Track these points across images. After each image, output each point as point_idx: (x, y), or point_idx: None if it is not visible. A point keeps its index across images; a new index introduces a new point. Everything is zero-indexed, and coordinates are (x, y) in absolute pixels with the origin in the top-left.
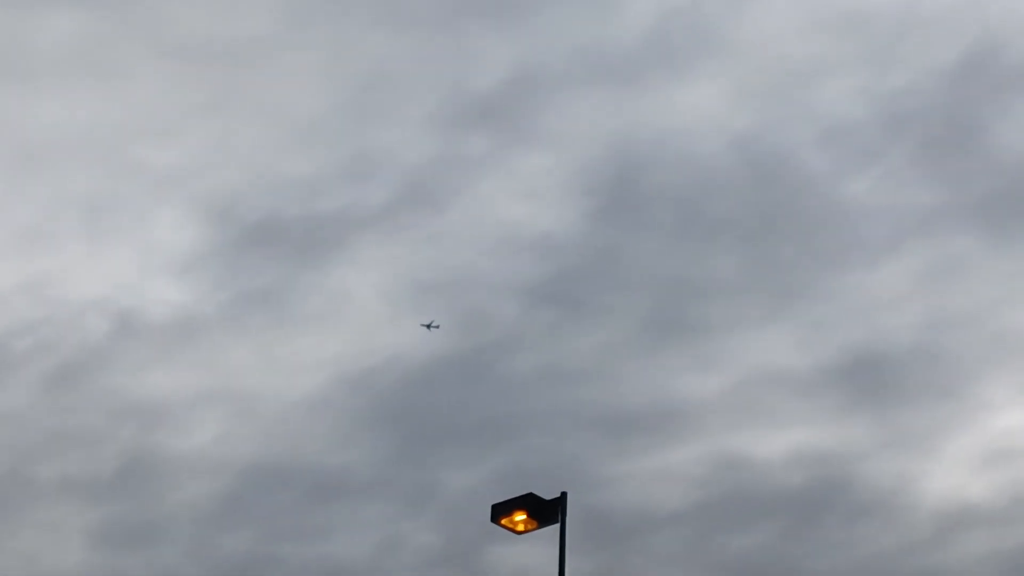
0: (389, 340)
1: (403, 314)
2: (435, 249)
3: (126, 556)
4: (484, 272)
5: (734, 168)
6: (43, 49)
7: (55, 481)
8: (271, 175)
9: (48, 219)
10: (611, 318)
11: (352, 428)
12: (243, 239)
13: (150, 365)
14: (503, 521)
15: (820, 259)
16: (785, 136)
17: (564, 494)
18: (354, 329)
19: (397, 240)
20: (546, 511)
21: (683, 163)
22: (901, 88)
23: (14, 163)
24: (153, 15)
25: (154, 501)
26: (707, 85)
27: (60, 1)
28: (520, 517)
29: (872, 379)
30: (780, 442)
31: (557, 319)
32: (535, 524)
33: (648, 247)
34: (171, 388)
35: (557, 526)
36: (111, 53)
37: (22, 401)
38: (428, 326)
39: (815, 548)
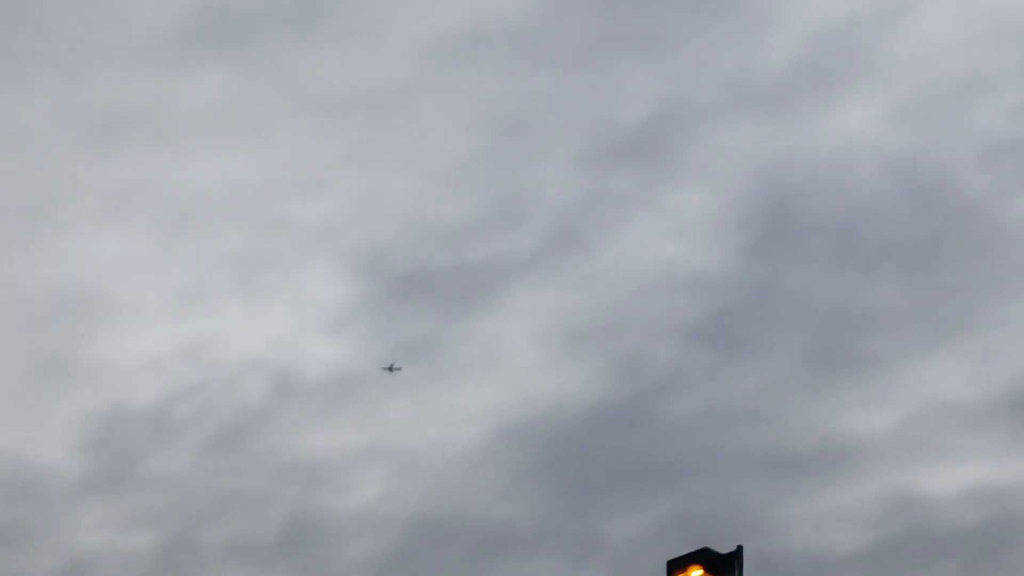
0: (547, 388)
1: (559, 361)
2: (588, 293)
3: None
4: (639, 314)
5: (892, 193)
6: (189, 110)
7: (222, 545)
8: (419, 224)
9: (201, 280)
10: (772, 355)
11: (515, 480)
12: (394, 291)
13: (310, 424)
14: None
15: (987, 285)
16: (944, 158)
17: (740, 547)
18: (511, 378)
19: (549, 285)
20: (722, 565)
21: (838, 191)
22: None
23: (166, 225)
24: (294, 70)
25: (320, 562)
26: (860, 109)
27: (203, 62)
28: (696, 573)
29: None
30: (955, 478)
31: (717, 359)
32: None
33: (806, 279)
34: (332, 446)
35: None
36: (255, 110)
37: (185, 466)
38: (390, 369)
39: None
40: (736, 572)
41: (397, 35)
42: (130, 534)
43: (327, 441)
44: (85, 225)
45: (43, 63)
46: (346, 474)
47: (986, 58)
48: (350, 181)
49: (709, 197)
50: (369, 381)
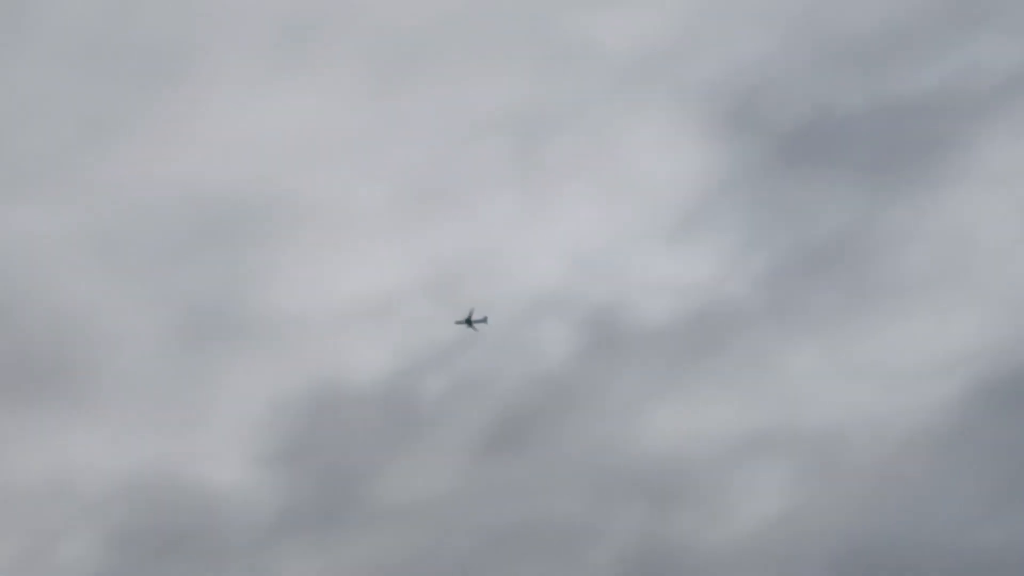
0: None
1: None
2: None
3: None
4: None
5: None
6: None
7: None
8: (811, 36)
9: (444, 156)
10: None
11: (1013, 476)
12: (778, 155)
13: (652, 396)
14: None
15: None
16: None
17: None
18: (994, 294)
19: None
20: None
21: None
22: None
23: (372, 63)
24: None
25: None
26: None
27: None
28: None
29: None
30: None
31: None
32: None
33: None
34: (694, 433)
35: None
36: None
37: (444, 478)
38: (468, 322)
39: None
40: None
41: None
42: None
43: (685, 425)
44: (237, 72)
45: None
46: (723, 477)
47: None
48: None
49: None
50: (748, 315)
